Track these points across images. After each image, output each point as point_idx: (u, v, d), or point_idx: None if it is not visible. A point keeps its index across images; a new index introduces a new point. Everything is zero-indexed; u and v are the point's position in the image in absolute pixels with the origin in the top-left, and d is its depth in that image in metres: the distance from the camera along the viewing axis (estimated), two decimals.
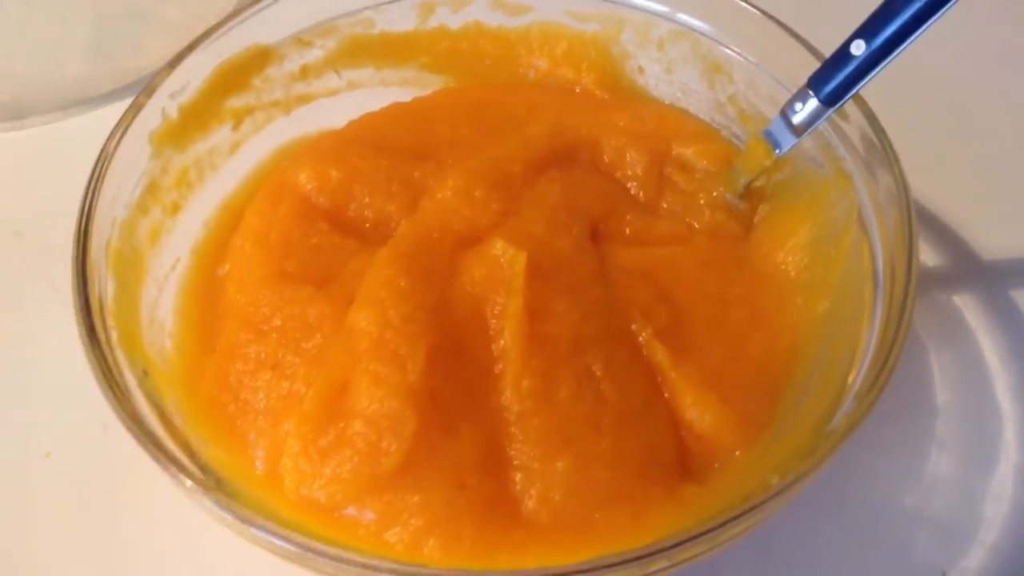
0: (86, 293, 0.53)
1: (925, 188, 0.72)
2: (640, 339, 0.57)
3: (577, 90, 0.73)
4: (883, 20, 0.56)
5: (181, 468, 0.47)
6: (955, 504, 0.61)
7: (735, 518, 0.44)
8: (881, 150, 0.58)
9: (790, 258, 0.62)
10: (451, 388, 0.53)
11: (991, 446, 0.64)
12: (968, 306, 0.70)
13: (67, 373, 0.58)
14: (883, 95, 0.60)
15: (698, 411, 0.55)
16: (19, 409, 0.66)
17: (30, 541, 0.60)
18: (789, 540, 0.59)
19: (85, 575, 0.59)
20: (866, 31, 0.57)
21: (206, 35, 0.65)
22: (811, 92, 0.59)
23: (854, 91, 0.58)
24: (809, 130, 0.61)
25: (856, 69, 0.57)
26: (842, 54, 0.58)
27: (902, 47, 0.56)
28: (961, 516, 0.61)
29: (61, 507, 0.61)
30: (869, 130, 0.59)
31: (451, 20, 0.73)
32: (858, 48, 0.57)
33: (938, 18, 0.54)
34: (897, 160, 0.58)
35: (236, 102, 0.68)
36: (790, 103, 0.61)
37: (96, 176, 0.57)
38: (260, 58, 0.68)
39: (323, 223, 0.62)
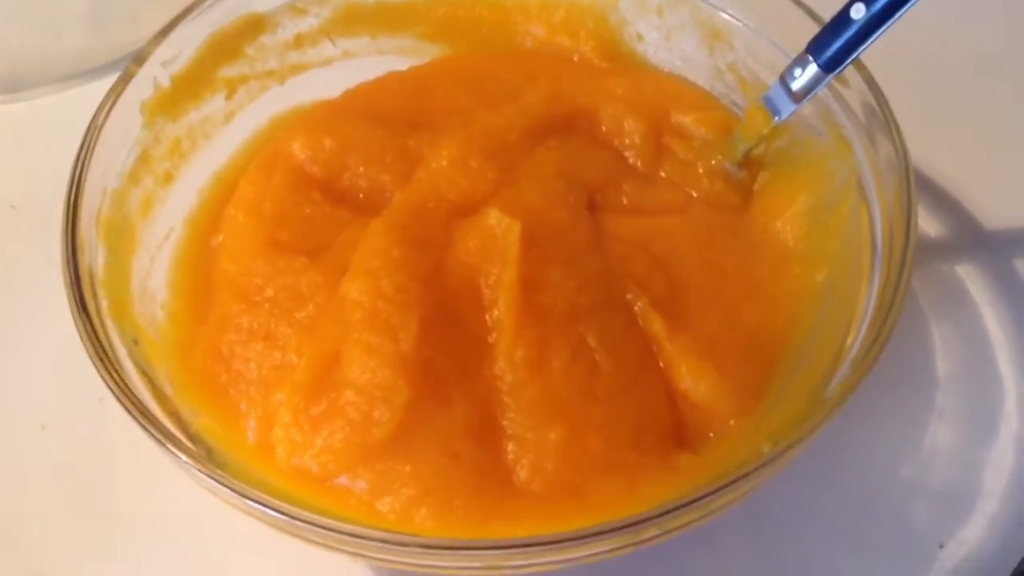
0: (76, 263, 0.52)
1: (927, 156, 0.72)
2: (636, 309, 0.57)
3: (575, 58, 0.72)
4: None
5: (171, 439, 0.47)
6: (953, 475, 0.61)
7: (726, 485, 0.44)
8: (881, 116, 0.57)
9: (788, 227, 0.61)
10: (444, 358, 0.53)
11: (991, 417, 0.63)
12: (970, 276, 0.69)
13: (63, 345, 0.58)
14: (883, 60, 0.59)
15: (693, 380, 0.55)
16: (14, 382, 0.66)
17: (27, 514, 0.60)
18: (784, 510, 0.59)
19: (82, 547, 0.59)
20: None
21: (199, 3, 0.64)
22: (810, 57, 0.58)
23: (854, 56, 0.57)
24: (808, 96, 0.60)
25: (856, 34, 0.56)
26: (842, 18, 0.57)
27: (902, 10, 0.55)
28: (959, 487, 0.60)
29: (58, 480, 0.61)
30: (869, 96, 0.58)
31: None
32: (858, 12, 0.56)
33: None
34: (897, 127, 0.57)
35: (229, 71, 0.67)
36: (789, 69, 0.60)
37: (86, 146, 0.57)
38: (254, 26, 0.68)
39: (316, 193, 0.61)
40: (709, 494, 0.44)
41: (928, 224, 0.71)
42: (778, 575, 0.57)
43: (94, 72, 0.83)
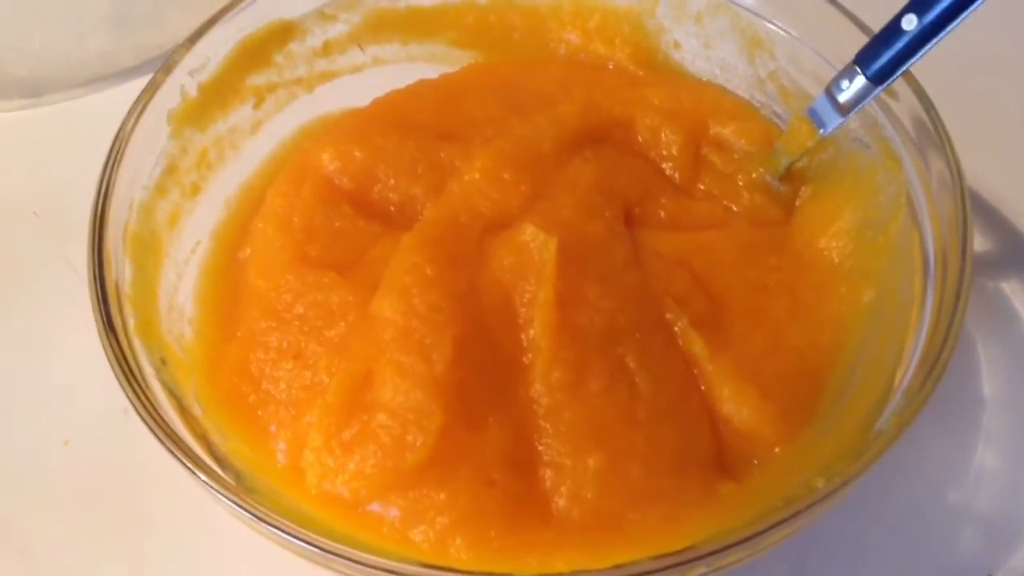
0: (103, 280, 0.51)
1: (974, 169, 0.69)
2: (676, 329, 0.55)
3: (610, 66, 0.71)
4: None
5: (200, 466, 0.46)
6: (1002, 501, 0.59)
7: (778, 524, 0.43)
8: (933, 131, 0.56)
9: (833, 244, 0.59)
10: (478, 380, 0.51)
11: None
12: (1017, 294, 0.67)
13: (85, 357, 0.57)
14: (933, 72, 0.58)
15: (736, 405, 0.53)
16: (37, 395, 0.64)
17: (49, 530, 0.59)
18: (828, 537, 0.57)
19: (105, 564, 0.58)
20: (918, 5, 0.54)
21: (227, 9, 0.63)
22: (858, 69, 0.57)
23: (904, 68, 0.55)
24: (856, 109, 0.58)
25: (907, 45, 0.54)
26: (892, 29, 0.55)
27: (956, 22, 0.53)
28: (1008, 513, 0.59)
29: (80, 496, 0.60)
30: (920, 109, 0.57)
31: None
32: (909, 23, 0.54)
33: None
34: (950, 142, 0.55)
35: (257, 79, 0.66)
36: (836, 80, 0.58)
37: (113, 157, 0.56)
38: (282, 33, 0.67)
39: (346, 206, 0.60)
40: (761, 532, 0.42)
41: (975, 239, 0.69)
42: None
43: (118, 75, 0.82)
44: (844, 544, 0.57)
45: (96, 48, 0.82)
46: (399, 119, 0.65)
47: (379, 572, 0.44)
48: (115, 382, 0.49)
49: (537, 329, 0.53)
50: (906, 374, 0.49)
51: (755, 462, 0.53)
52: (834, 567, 0.57)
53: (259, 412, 0.54)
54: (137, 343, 0.51)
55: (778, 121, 0.67)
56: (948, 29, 0.53)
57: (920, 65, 0.55)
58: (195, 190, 0.62)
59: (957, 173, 0.53)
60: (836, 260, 0.59)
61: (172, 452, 0.47)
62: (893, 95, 0.58)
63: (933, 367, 0.47)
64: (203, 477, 0.46)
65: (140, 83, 0.60)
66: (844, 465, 0.45)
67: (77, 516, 0.60)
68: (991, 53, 0.77)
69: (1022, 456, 0.60)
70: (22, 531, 0.59)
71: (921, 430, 0.60)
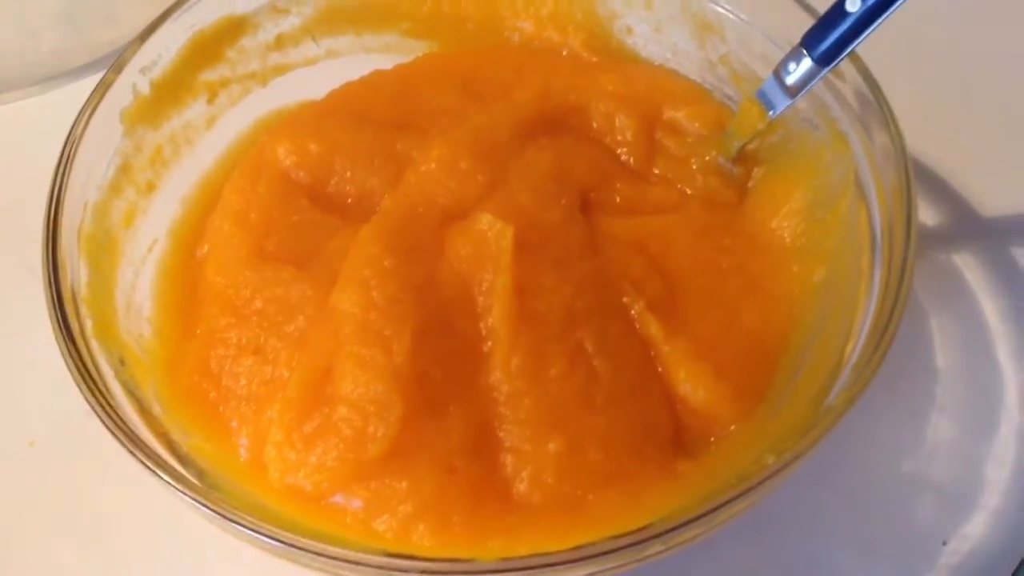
0: (58, 284, 0.51)
1: (922, 145, 0.70)
2: (632, 312, 0.56)
3: (564, 53, 0.71)
4: None
5: (162, 466, 0.46)
6: (955, 470, 0.60)
7: (732, 500, 0.43)
8: (877, 108, 0.56)
9: (785, 224, 0.60)
10: (438, 369, 0.52)
11: (992, 409, 0.62)
12: (968, 265, 0.68)
13: (49, 358, 0.56)
14: (877, 52, 0.58)
15: (692, 385, 0.54)
16: (1, 397, 0.64)
17: (14, 531, 0.59)
18: (785, 509, 0.58)
19: (74, 564, 0.58)
20: None
21: (177, 5, 0.63)
22: (805, 51, 0.57)
23: (849, 49, 0.56)
24: (804, 91, 0.58)
25: (851, 27, 0.55)
26: (837, 11, 0.56)
27: (898, 3, 0.54)
28: (962, 482, 0.60)
29: (46, 496, 0.60)
30: (865, 88, 0.57)
31: None
32: (853, 5, 0.55)
33: None
34: (894, 118, 0.56)
35: (210, 75, 0.66)
36: (783, 63, 0.59)
37: (64, 160, 0.55)
38: (234, 28, 0.66)
39: (304, 199, 0.60)
40: (714, 509, 0.43)
41: (925, 213, 0.70)
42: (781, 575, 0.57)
43: (72, 73, 0.81)
44: (800, 516, 0.58)
45: (49, 46, 0.81)
46: (354, 111, 0.65)
47: (343, 563, 0.44)
48: None
49: (496, 317, 0.53)
50: (855, 349, 0.50)
51: (712, 440, 0.54)
52: (790, 539, 0.58)
53: (220, 408, 0.54)
54: (95, 345, 0.51)
55: (730, 104, 0.67)
56: (891, 10, 0.54)
57: (865, 46, 0.56)
58: (150, 188, 0.62)
59: (900, 145, 0.54)
60: (788, 240, 0.60)
61: (133, 454, 0.47)
62: (840, 76, 0.59)
63: (880, 340, 0.48)
64: (165, 477, 0.46)
65: (95, 80, 0.60)
66: (794, 441, 0.46)
67: (44, 516, 0.59)
68: (933, 31, 0.78)
69: (974, 425, 0.62)
70: None
71: (875, 401, 0.61)
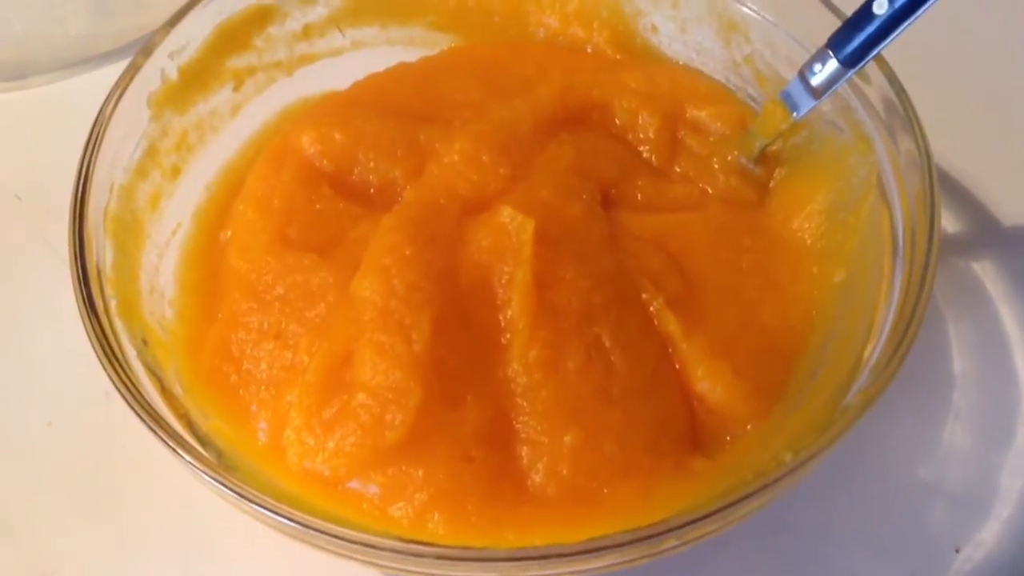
0: (84, 261, 0.52)
1: (945, 151, 0.70)
2: (651, 308, 0.56)
3: (588, 49, 0.71)
4: None
5: (182, 444, 0.46)
6: (971, 477, 0.60)
7: (747, 496, 0.43)
8: (903, 113, 0.56)
9: (806, 225, 0.60)
10: (457, 359, 0.52)
11: (1008, 417, 0.62)
12: (987, 273, 0.68)
13: (67, 340, 0.58)
14: (903, 56, 0.58)
15: (709, 383, 0.54)
16: (19, 378, 0.65)
17: (34, 512, 0.60)
18: (800, 511, 0.58)
19: (89, 545, 0.59)
20: None
21: None
22: (831, 53, 0.57)
23: (875, 52, 0.56)
24: (828, 92, 0.59)
25: (878, 29, 0.55)
26: (864, 13, 0.56)
27: (925, 6, 0.54)
28: (976, 489, 0.60)
29: (64, 477, 0.61)
30: (890, 92, 0.57)
31: None
32: (880, 7, 0.55)
33: None
34: (919, 123, 0.56)
35: (237, 62, 0.66)
36: (809, 64, 0.59)
37: (93, 140, 0.56)
38: (262, 16, 0.67)
39: (326, 188, 0.60)
40: (730, 505, 0.43)
41: (945, 219, 0.70)
42: None
43: (99, 59, 0.82)
44: (813, 518, 0.58)
45: (77, 32, 0.81)
46: (379, 102, 0.65)
47: (359, 547, 0.44)
48: (97, 364, 0.49)
49: (515, 309, 0.53)
50: (874, 351, 0.50)
51: (728, 438, 0.54)
52: (803, 541, 0.58)
53: (240, 392, 0.54)
54: (118, 324, 0.51)
55: (753, 104, 0.68)
56: (918, 13, 0.54)
57: (891, 49, 0.56)
58: (176, 172, 0.62)
59: (925, 151, 0.54)
60: (809, 241, 0.60)
61: (155, 432, 0.47)
62: (865, 78, 0.59)
63: (900, 343, 0.48)
64: (186, 456, 0.46)
65: (121, 66, 0.60)
66: (811, 439, 0.46)
67: (62, 497, 0.60)
68: (960, 37, 0.78)
69: (990, 432, 0.62)
70: (6, 513, 0.60)
71: (892, 406, 0.61)
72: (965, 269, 0.68)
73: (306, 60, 0.70)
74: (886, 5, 0.55)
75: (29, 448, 0.62)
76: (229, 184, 0.64)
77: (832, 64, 0.57)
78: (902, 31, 0.55)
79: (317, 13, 0.69)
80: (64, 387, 0.64)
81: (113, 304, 0.52)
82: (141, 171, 0.60)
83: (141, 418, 0.47)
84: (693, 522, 0.43)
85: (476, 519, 0.49)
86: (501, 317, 0.54)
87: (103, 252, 0.54)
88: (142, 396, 0.48)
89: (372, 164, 0.61)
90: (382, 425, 0.49)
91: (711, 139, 0.65)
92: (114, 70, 0.60)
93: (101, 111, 0.57)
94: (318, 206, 0.60)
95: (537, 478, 0.50)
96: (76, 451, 0.61)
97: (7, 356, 0.66)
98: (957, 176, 0.72)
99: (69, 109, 0.78)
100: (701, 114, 0.66)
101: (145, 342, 0.53)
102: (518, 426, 0.52)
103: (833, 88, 0.58)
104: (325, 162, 0.61)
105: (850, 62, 0.57)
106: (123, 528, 0.59)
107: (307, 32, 0.69)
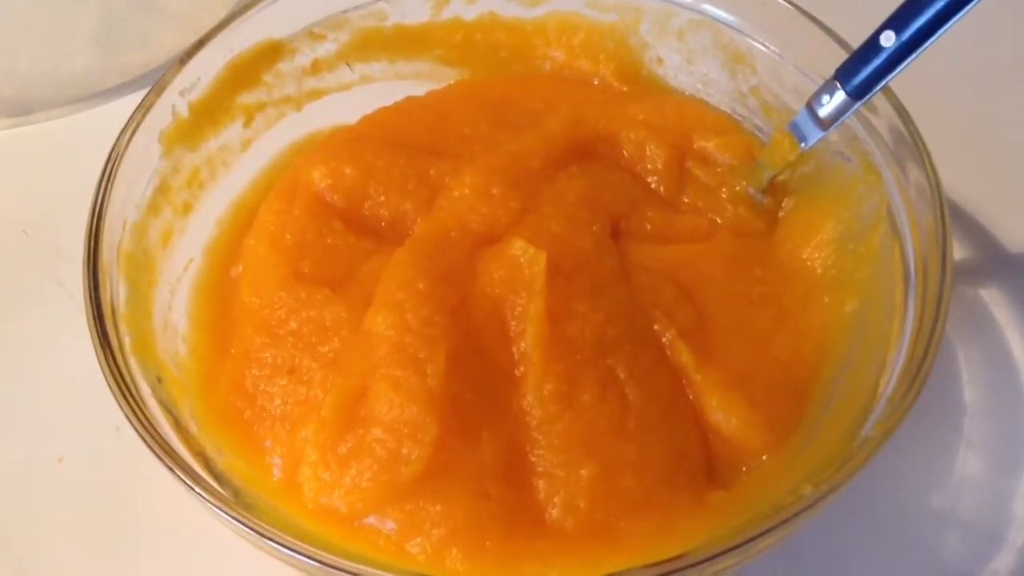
0: (98, 299, 0.52)
1: (952, 179, 0.70)
2: (664, 340, 0.56)
3: (595, 82, 0.72)
4: (914, 10, 0.54)
5: (199, 482, 0.46)
6: (984, 505, 0.60)
7: (767, 531, 0.43)
8: (911, 143, 0.57)
9: (816, 255, 0.60)
10: (471, 393, 0.52)
11: (1020, 446, 0.62)
12: (996, 301, 0.68)
13: (78, 375, 0.57)
14: (911, 87, 0.59)
15: (724, 414, 0.54)
16: (30, 413, 0.65)
17: (44, 547, 0.59)
18: (814, 541, 0.58)
19: None
20: (896, 22, 0.55)
21: (216, 29, 0.64)
22: (838, 84, 0.58)
23: (883, 83, 0.57)
24: (836, 123, 0.59)
25: (886, 61, 0.56)
26: (871, 45, 0.56)
27: (933, 38, 0.54)
28: (990, 518, 0.60)
29: (75, 512, 0.60)
30: (898, 123, 0.58)
31: (465, 11, 0.71)
32: (888, 39, 0.55)
33: (970, 9, 0.53)
34: (928, 154, 0.56)
35: (247, 98, 0.67)
36: (816, 95, 0.59)
37: (106, 177, 0.56)
38: (271, 52, 0.67)
39: (338, 222, 0.61)
40: (750, 539, 0.43)
41: (954, 247, 0.70)
42: None
43: (105, 94, 0.82)
44: (828, 548, 0.58)
45: (83, 67, 0.82)
46: (388, 136, 0.65)
47: None
48: (107, 399, 0.49)
49: (528, 342, 0.53)
50: (889, 382, 0.50)
51: (743, 470, 0.54)
52: (817, 571, 0.58)
53: (255, 428, 0.54)
54: (133, 362, 0.51)
55: (760, 135, 0.68)
56: (925, 45, 0.55)
57: (898, 80, 0.56)
58: (187, 208, 0.63)
59: (935, 183, 0.54)
60: (819, 271, 0.60)
61: (171, 470, 0.47)
62: (872, 109, 0.59)
63: (916, 375, 0.48)
64: (203, 494, 0.46)
65: (126, 101, 0.61)
66: (830, 472, 0.46)
67: (73, 532, 0.60)
68: (967, 68, 0.78)
69: (1003, 460, 0.62)
70: (18, 548, 0.59)
71: (904, 435, 0.60)
72: (974, 297, 0.69)
73: (315, 95, 0.70)
74: (893, 37, 0.55)
75: (41, 483, 0.62)
76: (240, 219, 0.64)
77: (840, 96, 0.58)
78: (909, 63, 0.55)
79: (326, 48, 0.69)
80: (75, 423, 0.63)
81: (127, 342, 0.52)
82: (153, 208, 0.60)
83: (159, 456, 0.47)
84: (713, 557, 0.43)
85: (494, 554, 0.49)
86: (514, 349, 0.54)
87: (117, 290, 0.54)
88: (159, 434, 0.48)
89: (383, 198, 0.61)
90: (398, 460, 0.49)
91: (719, 169, 0.65)
92: (120, 105, 0.60)
93: (114, 148, 0.57)
94: (329, 240, 0.60)
95: (555, 512, 0.50)
96: (88, 485, 0.61)
97: (18, 391, 0.66)
98: (965, 205, 0.72)
99: (75, 145, 0.78)
100: (709, 145, 0.66)
101: (159, 379, 0.53)
102: (534, 459, 0.51)
103: (841, 119, 0.59)
104: (336, 197, 0.62)
105: (858, 94, 0.57)
106: (136, 563, 0.59)
107: (316, 67, 0.70)
